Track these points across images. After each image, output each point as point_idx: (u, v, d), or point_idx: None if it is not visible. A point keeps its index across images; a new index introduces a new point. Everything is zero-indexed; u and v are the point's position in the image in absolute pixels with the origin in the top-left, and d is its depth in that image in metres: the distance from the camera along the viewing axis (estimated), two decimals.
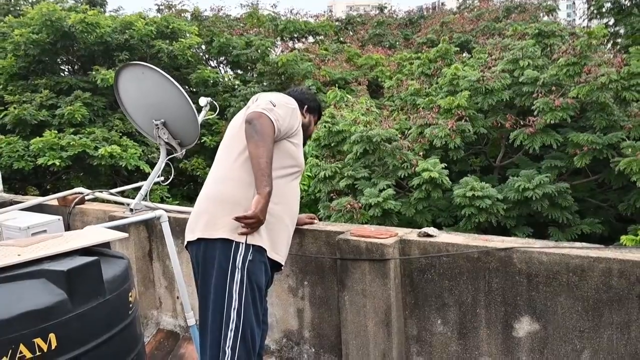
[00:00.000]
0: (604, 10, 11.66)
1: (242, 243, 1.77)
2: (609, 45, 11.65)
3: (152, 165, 9.84)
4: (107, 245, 1.74)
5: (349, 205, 6.32)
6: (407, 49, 14.94)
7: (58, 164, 8.82)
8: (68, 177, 10.19)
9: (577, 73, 7.01)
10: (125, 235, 1.84)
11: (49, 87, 10.64)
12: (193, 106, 2.61)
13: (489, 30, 13.66)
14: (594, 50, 7.42)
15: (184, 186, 11.69)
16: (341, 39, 18.09)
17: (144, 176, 9.28)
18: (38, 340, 1.26)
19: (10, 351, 1.22)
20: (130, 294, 1.60)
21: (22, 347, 1.24)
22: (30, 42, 10.32)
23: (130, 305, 1.59)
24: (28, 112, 9.55)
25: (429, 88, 9.14)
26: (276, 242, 1.86)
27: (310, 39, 17.36)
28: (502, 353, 1.96)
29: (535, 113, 6.97)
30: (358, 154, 7.10)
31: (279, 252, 1.88)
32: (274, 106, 1.82)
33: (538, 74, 7.33)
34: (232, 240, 1.76)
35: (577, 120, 7.23)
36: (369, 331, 2.14)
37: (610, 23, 11.96)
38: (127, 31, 11.29)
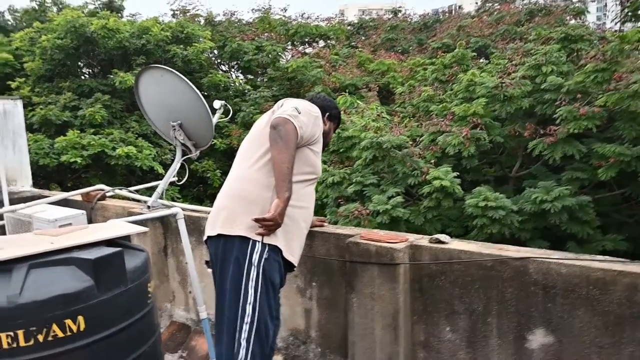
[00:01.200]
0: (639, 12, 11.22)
1: (259, 242, 1.84)
2: None
3: (165, 166, 10.07)
4: (128, 238, 1.84)
5: (356, 212, 6.26)
6: (421, 54, 14.79)
7: (79, 161, 9.24)
8: (87, 176, 10.54)
9: (606, 80, 6.58)
10: (146, 229, 1.94)
11: (72, 89, 11.10)
12: (209, 109, 2.70)
13: (509, 35, 13.18)
14: (626, 55, 6.93)
15: (194, 187, 11.87)
16: (353, 43, 18.07)
17: (157, 176, 9.50)
18: (68, 322, 1.37)
19: (45, 330, 1.34)
20: (149, 285, 1.70)
21: (54, 327, 1.35)
22: (55, 47, 10.81)
23: (149, 295, 1.69)
24: (53, 113, 10.05)
25: (443, 94, 9.03)
26: (291, 243, 1.92)
27: (322, 43, 17.42)
28: None
29: (557, 122, 6.61)
30: (367, 160, 7.00)
31: (293, 253, 1.94)
32: (299, 113, 1.88)
33: (562, 80, 6.98)
34: (250, 239, 1.83)
35: (603, 130, 6.81)
36: (375, 334, 2.15)
37: None
38: (144, 36, 11.61)
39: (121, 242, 1.72)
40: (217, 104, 3.05)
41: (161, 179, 3.15)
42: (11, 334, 1.30)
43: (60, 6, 15.15)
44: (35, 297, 1.34)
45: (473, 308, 2.00)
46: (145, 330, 1.64)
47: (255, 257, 1.82)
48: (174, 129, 2.82)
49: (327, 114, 2.20)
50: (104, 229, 1.76)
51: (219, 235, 1.88)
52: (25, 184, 4.51)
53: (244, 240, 1.83)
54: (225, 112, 3.10)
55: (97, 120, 10.14)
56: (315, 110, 2.02)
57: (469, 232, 6.36)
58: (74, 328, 1.38)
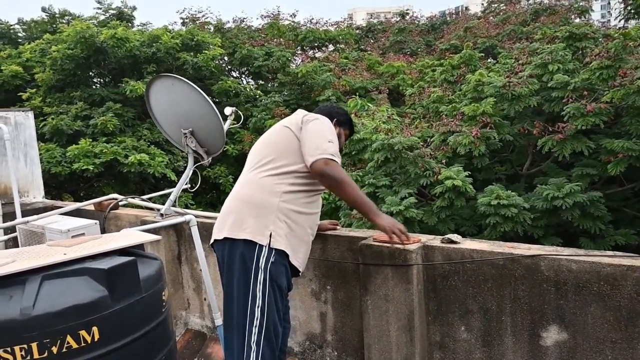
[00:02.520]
0: None
1: (265, 246, 1.85)
2: None
3: (178, 173, 10.14)
4: (141, 247, 1.84)
5: None
6: (430, 56, 14.84)
7: (92, 169, 9.32)
8: (99, 184, 10.62)
9: (611, 76, 6.71)
10: (159, 237, 1.94)
11: (83, 98, 11.22)
12: (220, 116, 2.71)
13: (515, 35, 13.38)
14: (629, 52, 7.08)
15: (207, 194, 11.94)
16: (362, 46, 18.16)
17: (170, 183, 9.57)
18: (83, 333, 1.36)
19: (59, 341, 1.33)
20: (163, 293, 1.69)
21: (69, 338, 1.34)
22: (66, 57, 10.96)
23: (163, 304, 1.68)
24: (65, 123, 10.16)
25: (452, 95, 9.06)
26: (297, 249, 1.94)
27: (331, 47, 17.51)
28: None
29: (565, 119, 6.70)
30: (379, 162, 7.08)
31: (298, 258, 1.95)
32: (324, 138, 1.94)
33: (568, 78, 7.08)
34: (256, 243, 1.84)
35: (610, 126, 6.91)
36: (391, 336, 2.15)
37: None
38: (154, 44, 11.75)
39: (134, 251, 1.72)
40: (228, 110, 3.06)
41: (174, 186, 3.16)
42: (25, 346, 1.29)
43: (69, 18, 15.40)
44: (48, 308, 1.33)
45: (487, 307, 1.99)
46: (160, 339, 1.63)
47: (262, 260, 1.84)
48: (186, 137, 2.83)
49: (335, 119, 2.23)
50: (117, 238, 1.77)
51: (225, 238, 1.90)
52: (37, 195, 4.57)
53: (251, 244, 1.85)
54: (237, 118, 3.11)
55: (109, 128, 10.24)
56: (329, 124, 2.07)
57: (483, 231, 6.37)
58: (89, 339, 1.37)
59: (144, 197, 3.55)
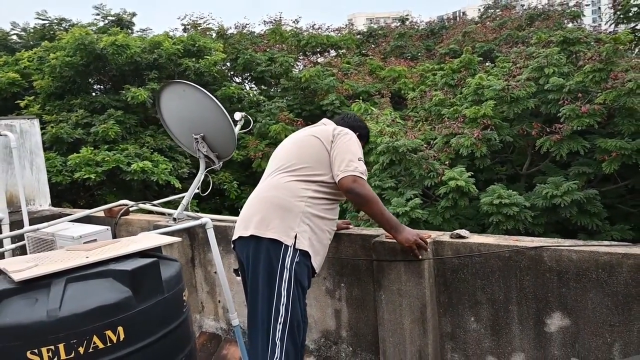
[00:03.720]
0: (630, 14, 11.50)
1: (291, 246, 1.91)
2: (637, 50, 11.55)
3: (182, 180, 10.11)
4: (159, 250, 1.87)
5: None
6: (430, 60, 14.97)
7: (93, 177, 9.11)
8: (101, 193, 10.50)
9: (604, 79, 6.99)
10: (178, 239, 1.96)
11: (84, 106, 11.02)
12: (231, 121, 2.74)
13: (512, 39, 13.62)
14: (620, 55, 7.38)
15: (212, 200, 11.92)
16: (363, 51, 18.24)
17: (173, 191, 9.52)
18: (109, 333, 1.38)
19: (86, 342, 1.35)
20: (183, 294, 1.72)
21: (95, 338, 1.36)
22: (65, 65, 10.78)
23: (184, 304, 1.71)
24: (65, 131, 9.94)
25: (453, 98, 9.16)
26: (317, 251, 2.01)
27: (333, 53, 17.58)
28: (535, 348, 2.00)
29: (561, 120, 6.94)
30: (384, 164, 7.18)
31: (317, 260, 2.02)
32: (352, 153, 2.03)
33: (564, 81, 7.32)
34: (282, 242, 1.90)
35: (604, 126, 7.18)
36: (405, 329, 2.21)
37: (638, 27, 11.81)
38: (155, 51, 11.68)
39: (154, 253, 1.74)
40: (237, 115, 3.09)
41: (177, 193, 3.17)
42: (52, 347, 1.31)
43: (68, 25, 15.26)
44: (74, 310, 1.35)
45: (494, 298, 2.07)
46: (182, 339, 1.65)
47: (288, 260, 1.89)
48: (197, 142, 2.86)
49: (358, 134, 2.30)
50: (136, 242, 1.79)
51: (251, 236, 1.94)
52: (43, 203, 4.57)
53: (276, 243, 1.90)
54: (246, 123, 3.14)
55: (110, 136, 10.07)
56: (356, 139, 2.15)
57: (486, 230, 6.47)
58: (114, 339, 1.39)
59: (155, 202, 3.57)
